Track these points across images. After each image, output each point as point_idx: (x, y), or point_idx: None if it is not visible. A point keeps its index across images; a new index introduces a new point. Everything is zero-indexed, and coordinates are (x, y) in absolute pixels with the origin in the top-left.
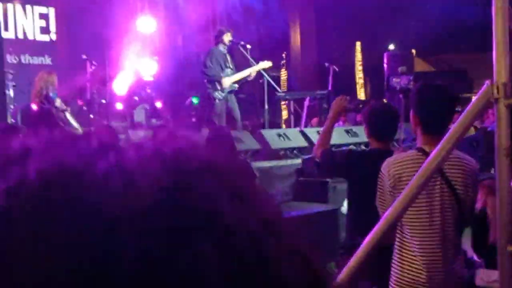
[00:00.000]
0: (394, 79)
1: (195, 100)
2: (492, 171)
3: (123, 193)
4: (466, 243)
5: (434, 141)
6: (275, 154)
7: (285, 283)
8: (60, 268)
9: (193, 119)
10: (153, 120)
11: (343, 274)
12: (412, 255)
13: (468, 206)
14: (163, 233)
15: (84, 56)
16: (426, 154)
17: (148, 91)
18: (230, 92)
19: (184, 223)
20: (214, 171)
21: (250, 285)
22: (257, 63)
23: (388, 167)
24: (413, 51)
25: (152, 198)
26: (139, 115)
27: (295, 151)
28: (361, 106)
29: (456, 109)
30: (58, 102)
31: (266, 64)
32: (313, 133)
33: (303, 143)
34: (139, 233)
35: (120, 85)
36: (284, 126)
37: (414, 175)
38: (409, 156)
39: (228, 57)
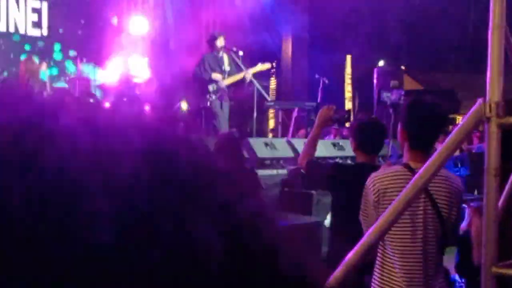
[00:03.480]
0: (385, 93)
1: (183, 106)
2: (475, 193)
3: (94, 156)
4: (450, 263)
5: (420, 158)
6: (261, 163)
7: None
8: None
9: (181, 124)
10: None
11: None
12: (392, 272)
13: (451, 225)
14: (148, 208)
15: (74, 53)
16: (412, 170)
17: (138, 93)
18: (222, 96)
19: (176, 199)
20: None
21: (251, 279)
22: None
23: (373, 182)
24: (403, 67)
25: (133, 164)
26: None
27: (281, 161)
28: (346, 117)
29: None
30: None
31: (265, 66)
32: (300, 144)
33: (289, 153)
34: (118, 208)
35: (108, 85)
36: (270, 135)
37: (399, 190)
38: (395, 172)
39: (226, 60)
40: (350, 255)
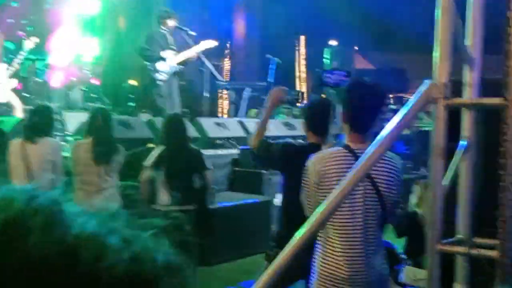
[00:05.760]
0: (326, 74)
1: (133, 83)
2: (423, 170)
3: None
4: (397, 241)
5: (360, 139)
6: (212, 143)
7: None
8: None
9: (131, 103)
10: (90, 103)
11: (269, 271)
12: (334, 250)
13: (390, 203)
14: None
15: (21, 33)
16: (352, 151)
17: (86, 72)
18: (173, 74)
19: None
20: None
21: None
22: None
23: (314, 163)
24: (355, 47)
25: None
26: (76, 96)
27: (232, 141)
28: (297, 98)
29: (393, 107)
30: None
31: (211, 43)
32: (252, 124)
33: (241, 133)
34: None
35: (58, 64)
36: (225, 115)
37: (339, 171)
38: (335, 153)
39: (169, 39)
40: (298, 236)
